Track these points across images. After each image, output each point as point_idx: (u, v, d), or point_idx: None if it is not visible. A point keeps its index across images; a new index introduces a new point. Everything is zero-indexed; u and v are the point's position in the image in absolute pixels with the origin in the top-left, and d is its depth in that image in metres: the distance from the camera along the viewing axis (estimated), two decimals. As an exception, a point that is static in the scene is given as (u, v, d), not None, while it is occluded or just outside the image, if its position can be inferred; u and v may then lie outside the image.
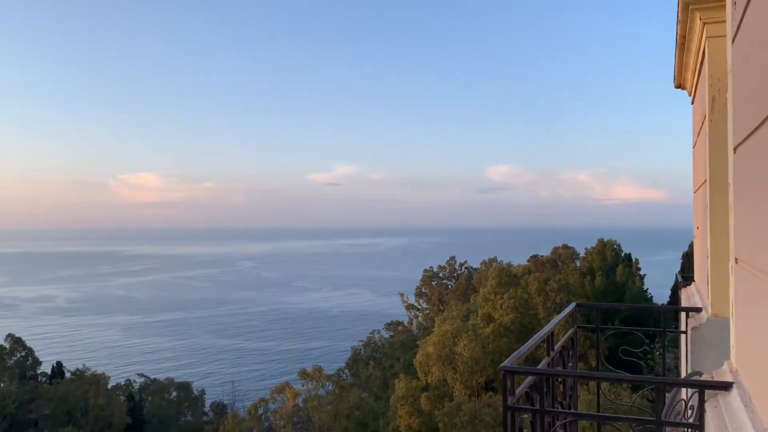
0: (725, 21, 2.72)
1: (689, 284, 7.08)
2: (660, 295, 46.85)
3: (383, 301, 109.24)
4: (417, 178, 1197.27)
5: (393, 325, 54.86)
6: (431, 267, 60.84)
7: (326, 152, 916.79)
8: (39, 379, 46.43)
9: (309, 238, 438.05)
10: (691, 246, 17.06)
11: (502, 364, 3.26)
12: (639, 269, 45.75)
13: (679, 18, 4.96)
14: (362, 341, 47.13)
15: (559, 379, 4.59)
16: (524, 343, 3.87)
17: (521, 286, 39.32)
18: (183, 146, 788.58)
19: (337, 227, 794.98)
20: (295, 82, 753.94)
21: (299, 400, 37.66)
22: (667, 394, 3.98)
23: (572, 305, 5.57)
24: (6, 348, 45.16)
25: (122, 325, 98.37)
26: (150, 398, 48.39)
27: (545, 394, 3.57)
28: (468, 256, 64.55)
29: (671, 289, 35.78)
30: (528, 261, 53.01)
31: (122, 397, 46.45)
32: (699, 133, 5.75)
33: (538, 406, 3.40)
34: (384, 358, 42.84)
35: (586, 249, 47.51)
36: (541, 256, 55.34)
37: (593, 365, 25.94)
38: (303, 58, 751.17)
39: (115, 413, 42.65)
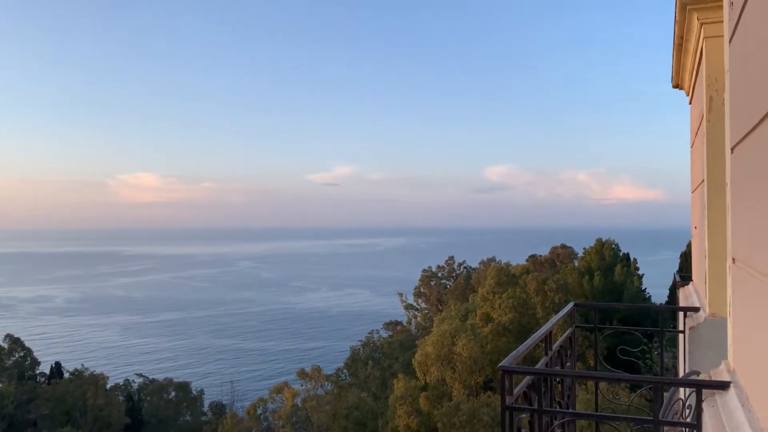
0: (722, 21, 2.72)
1: (687, 284, 7.08)
2: (658, 294, 46.83)
3: (382, 301, 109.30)
4: (416, 178, 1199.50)
5: (392, 325, 54.86)
6: (430, 267, 60.79)
7: (326, 152, 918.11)
8: (38, 380, 46.38)
9: (308, 238, 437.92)
10: (689, 246, 17.06)
11: (500, 364, 3.26)
12: (637, 269, 45.79)
13: (677, 18, 4.96)
14: (361, 341, 47.09)
15: (558, 379, 4.59)
16: (522, 343, 3.87)
17: (520, 286, 39.29)
18: (182, 146, 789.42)
19: (337, 227, 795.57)
20: (294, 82, 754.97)
21: (298, 400, 37.67)
22: (665, 394, 3.98)
23: (570, 305, 5.57)
24: (5, 348, 45.12)
25: (121, 325, 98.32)
26: (149, 398, 48.38)
27: (543, 394, 3.57)
28: (467, 256, 64.52)
29: (669, 289, 35.84)
30: (526, 261, 53.07)
31: (121, 397, 46.44)
32: (697, 133, 5.75)
33: (536, 406, 3.40)
34: (383, 358, 42.83)
35: (584, 249, 47.50)
36: (540, 255, 55.41)
37: (591, 365, 25.92)
38: (303, 58, 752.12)
39: (113, 413, 42.65)
